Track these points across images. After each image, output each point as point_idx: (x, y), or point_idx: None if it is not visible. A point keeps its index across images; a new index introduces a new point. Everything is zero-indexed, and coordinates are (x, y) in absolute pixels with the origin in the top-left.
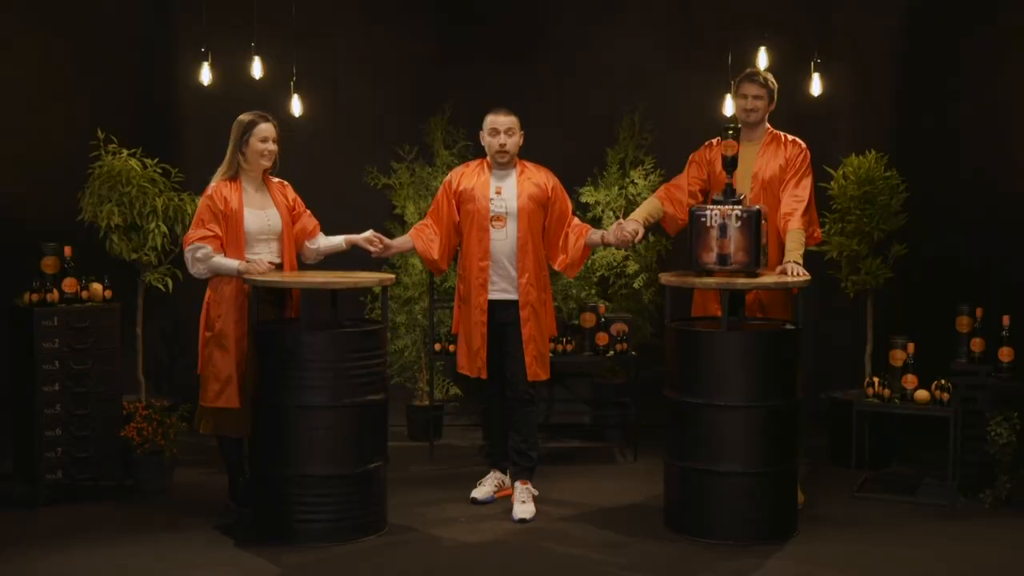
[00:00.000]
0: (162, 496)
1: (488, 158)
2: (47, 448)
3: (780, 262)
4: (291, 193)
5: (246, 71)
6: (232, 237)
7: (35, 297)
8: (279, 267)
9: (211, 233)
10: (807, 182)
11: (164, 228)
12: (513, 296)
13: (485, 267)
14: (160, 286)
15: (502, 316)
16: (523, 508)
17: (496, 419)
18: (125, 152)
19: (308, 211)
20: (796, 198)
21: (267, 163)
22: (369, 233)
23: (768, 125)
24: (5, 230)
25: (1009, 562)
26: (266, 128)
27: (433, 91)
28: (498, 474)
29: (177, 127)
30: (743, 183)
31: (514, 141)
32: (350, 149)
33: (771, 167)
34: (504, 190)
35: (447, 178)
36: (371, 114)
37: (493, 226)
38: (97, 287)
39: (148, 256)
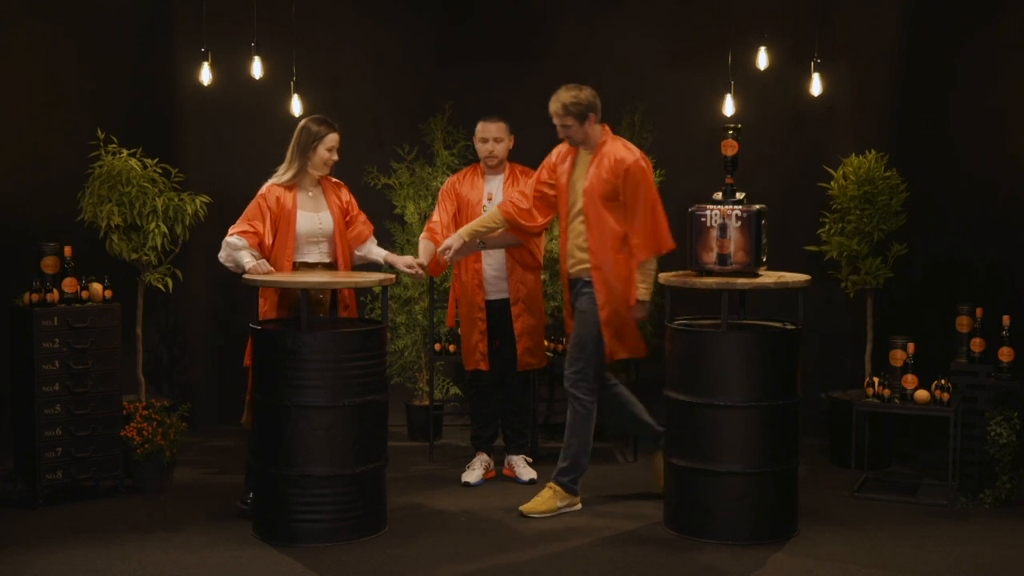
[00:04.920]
0: (162, 496)
1: (480, 163)
2: (47, 448)
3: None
4: (346, 195)
5: (246, 71)
6: (283, 238)
7: (35, 297)
8: (329, 267)
9: (252, 229)
10: (641, 197)
11: (164, 228)
12: (505, 295)
13: (479, 269)
14: (160, 286)
15: (498, 307)
16: (529, 471)
17: (488, 405)
18: (125, 152)
19: (363, 215)
20: (632, 226)
21: (327, 171)
22: (409, 259)
23: (603, 133)
24: (5, 230)
25: (1009, 562)
26: (334, 138)
27: (433, 91)
28: (485, 457)
29: (177, 127)
30: (575, 194)
31: (503, 147)
32: (350, 149)
33: (600, 177)
34: (495, 196)
35: (446, 187)
36: (371, 114)
37: None
38: (97, 287)
39: (148, 256)
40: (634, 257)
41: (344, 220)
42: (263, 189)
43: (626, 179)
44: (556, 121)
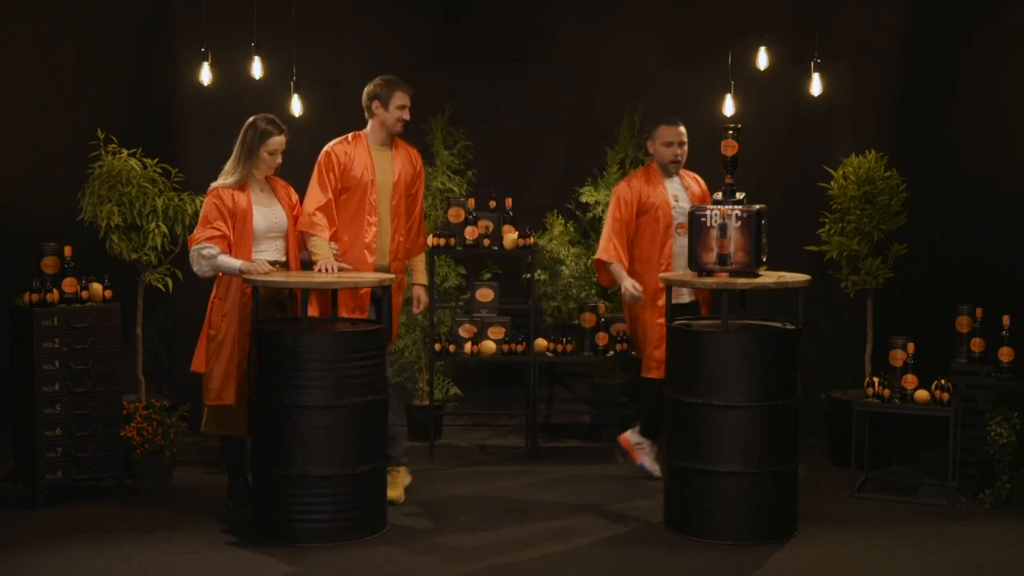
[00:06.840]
0: (162, 496)
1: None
2: (47, 448)
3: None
4: (295, 196)
5: (246, 71)
6: (240, 236)
7: (35, 297)
8: (284, 265)
9: (218, 233)
10: (423, 189)
11: (164, 228)
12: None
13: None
14: (160, 286)
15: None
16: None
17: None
18: (125, 152)
19: None
20: (418, 215)
21: (270, 172)
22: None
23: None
24: (5, 230)
25: (1009, 562)
26: (278, 141)
27: (433, 91)
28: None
29: (177, 127)
30: (383, 189)
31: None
32: None
33: (408, 170)
34: (680, 197)
35: (624, 194)
36: None
37: None
38: (97, 287)
39: (148, 256)
40: (419, 247)
41: (294, 220)
42: (214, 189)
43: (422, 169)
44: (407, 108)
